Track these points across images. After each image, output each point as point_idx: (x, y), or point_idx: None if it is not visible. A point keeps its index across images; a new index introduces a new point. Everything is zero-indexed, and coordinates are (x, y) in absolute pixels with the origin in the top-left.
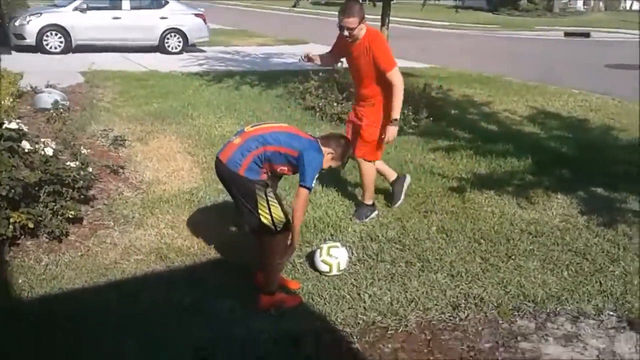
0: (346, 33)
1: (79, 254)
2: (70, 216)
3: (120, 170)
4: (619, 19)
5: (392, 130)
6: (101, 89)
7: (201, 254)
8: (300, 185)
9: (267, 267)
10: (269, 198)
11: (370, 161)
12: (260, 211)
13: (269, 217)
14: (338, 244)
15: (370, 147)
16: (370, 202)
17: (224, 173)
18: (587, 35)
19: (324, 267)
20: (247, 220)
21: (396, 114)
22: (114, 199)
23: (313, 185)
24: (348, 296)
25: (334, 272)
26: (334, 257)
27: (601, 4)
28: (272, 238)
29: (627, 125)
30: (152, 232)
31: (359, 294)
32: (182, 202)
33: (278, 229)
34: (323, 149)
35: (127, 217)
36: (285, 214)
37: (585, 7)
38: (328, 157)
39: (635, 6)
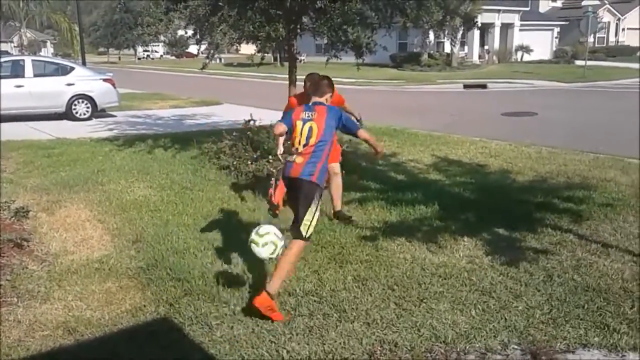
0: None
1: None
2: None
3: (25, 243)
4: (511, 70)
5: None
6: (3, 160)
7: (112, 325)
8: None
9: (282, 269)
10: (319, 205)
11: None
12: (307, 214)
13: (309, 222)
14: (259, 225)
15: None
16: None
17: (296, 185)
18: (484, 86)
19: (270, 249)
20: (295, 219)
21: None
22: (18, 274)
23: None
24: (266, 354)
25: (280, 245)
26: (268, 234)
27: (495, 57)
28: (299, 245)
29: (522, 168)
30: (59, 306)
31: (277, 351)
32: (91, 271)
33: (307, 235)
34: (322, 100)
35: (32, 291)
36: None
37: (480, 60)
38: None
39: (526, 57)
